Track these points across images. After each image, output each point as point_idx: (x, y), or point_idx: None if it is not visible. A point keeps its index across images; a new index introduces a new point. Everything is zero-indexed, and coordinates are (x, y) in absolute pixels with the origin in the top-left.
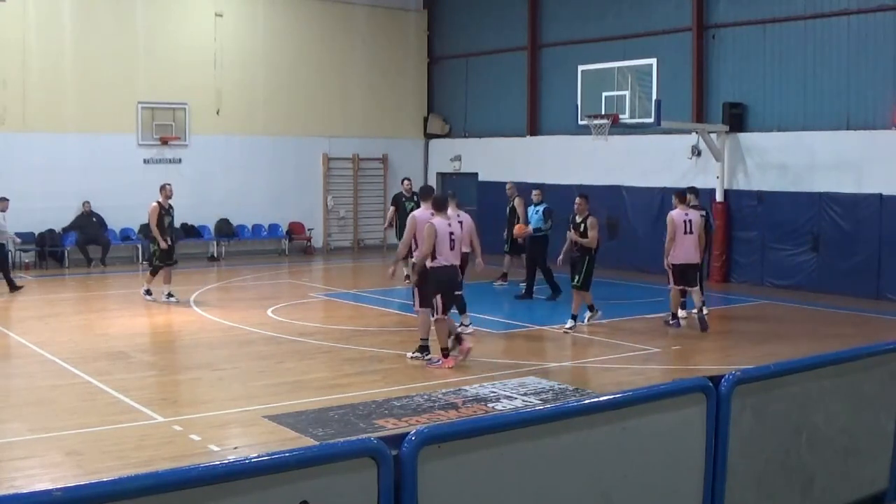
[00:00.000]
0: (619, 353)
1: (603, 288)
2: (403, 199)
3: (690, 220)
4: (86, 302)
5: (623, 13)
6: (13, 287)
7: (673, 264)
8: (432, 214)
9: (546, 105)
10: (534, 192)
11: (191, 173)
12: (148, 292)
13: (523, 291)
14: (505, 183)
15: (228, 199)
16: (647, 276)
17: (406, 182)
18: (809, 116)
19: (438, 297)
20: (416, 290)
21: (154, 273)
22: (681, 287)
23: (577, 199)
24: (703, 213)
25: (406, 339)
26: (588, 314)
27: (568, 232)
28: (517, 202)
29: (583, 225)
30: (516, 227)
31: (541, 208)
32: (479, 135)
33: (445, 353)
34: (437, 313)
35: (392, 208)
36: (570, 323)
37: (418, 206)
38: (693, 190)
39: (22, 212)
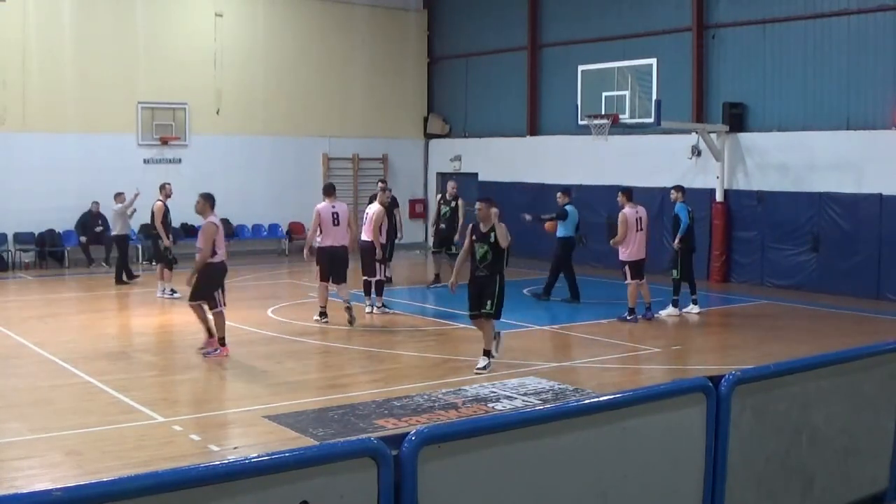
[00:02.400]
0: (619, 353)
1: (603, 288)
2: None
3: (640, 218)
4: (86, 302)
5: (623, 13)
6: (121, 280)
7: (629, 261)
8: (333, 206)
9: (546, 105)
10: (558, 193)
11: (191, 173)
12: (172, 291)
13: (542, 292)
14: (506, 183)
15: (228, 199)
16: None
17: (382, 185)
18: (809, 116)
19: (219, 291)
20: (317, 267)
21: (171, 268)
22: (636, 281)
23: (478, 204)
24: (690, 210)
25: (406, 339)
26: (486, 361)
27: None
28: (460, 203)
29: (492, 234)
30: (547, 223)
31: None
32: (479, 135)
33: (222, 341)
34: (218, 306)
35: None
36: (482, 361)
37: (392, 209)
38: (680, 188)
39: (22, 212)
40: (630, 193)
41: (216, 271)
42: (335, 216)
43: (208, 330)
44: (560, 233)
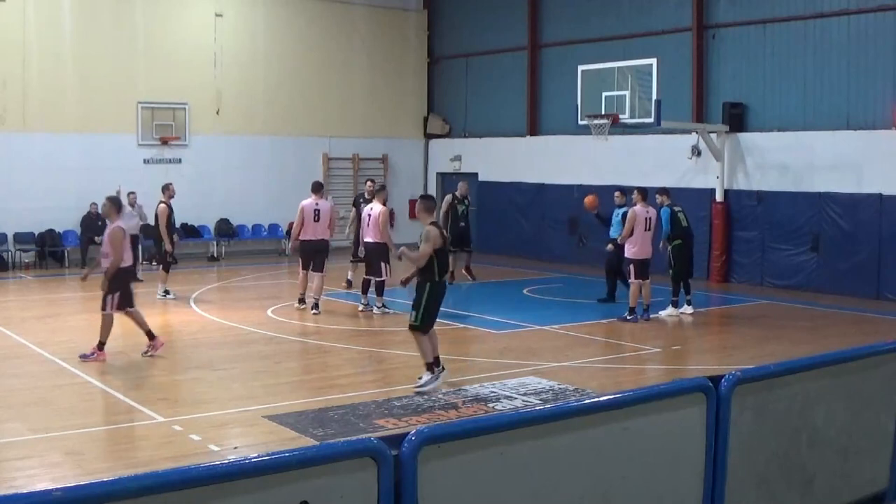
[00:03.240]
0: (619, 353)
1: (603, 288)
2: (362, 201)
3: (650, 218)
4: (86, 302)
5: (623, 13)
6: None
7: (634, 259)
8: (316, 204)
9: (546, 105)
10: (616, 193)
11: (191, 173)
12: (166, 292)
13: (606, 295)
14: (506, 183)
15: (228, 199)
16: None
17: (370, 183)
18: (809, 116)
19: (117, 294)
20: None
21: (167, 271)
22: (639, 280)
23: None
24: (679, 208)
25: (406, 339)
26: (427, 377)
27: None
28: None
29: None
30: (587, 197)
31: (621, 212)
32: (479, 135)
33: (101, 346)
34: (109, 309)
35: (353, 210)
36: (424, 377)
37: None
38: (664, 191)
39: (22, 212)
40: (645, 193)
41: (130, 275)
42: (316, 213)
43: (148, 332)
44: (615, 234)
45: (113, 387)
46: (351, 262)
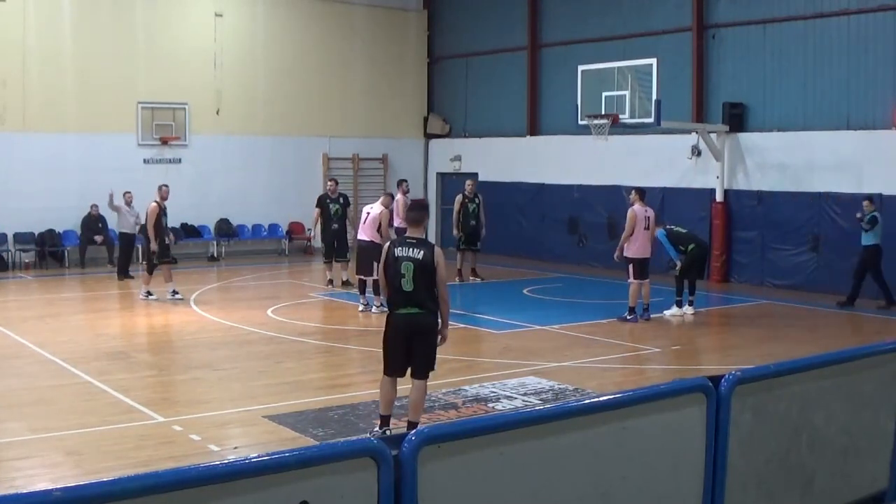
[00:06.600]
0: (619, 353)
1: (602, 288)
2: (328, 201)
3: (648, 217)
4: (86, 302)
5: (623, 13)
6: (126, 275)
7: (634, 258)
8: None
9: (546, 105)
10: (864, 202)
11: (191, 173)
12: (148, 293)
13: (846, 298)
14: (506, 183)
15: (228, 199)
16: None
17: (331, 183)
18: (809, 116)
19: None
20: None
21: (150, 272)
22: (638, 280)
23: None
24: (672, 225)
25: None
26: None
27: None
28: (480, 199)
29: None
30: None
31: (872, 215)
32: (479, 135)
33: None
34: None
35: (317, 210)
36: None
37: (344, 208)
38: (660, 221)
39: (22, 212)
40: (643, 193)
41: None
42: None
43: None
44: (868, 241)
45: (113, 387)
46: (324, 262)
